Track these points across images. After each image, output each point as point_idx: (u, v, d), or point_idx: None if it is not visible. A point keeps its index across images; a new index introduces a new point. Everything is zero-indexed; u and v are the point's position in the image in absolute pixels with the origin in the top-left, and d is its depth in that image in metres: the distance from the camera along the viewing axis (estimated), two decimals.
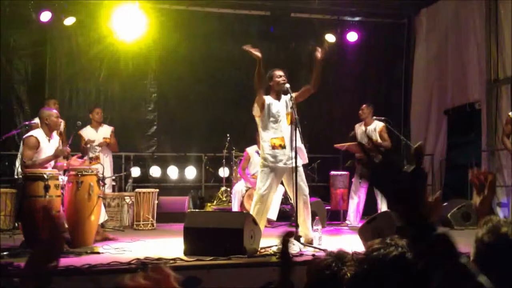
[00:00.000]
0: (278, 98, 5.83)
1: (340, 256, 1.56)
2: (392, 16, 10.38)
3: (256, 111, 5.79)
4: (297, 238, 5.34)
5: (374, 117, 7.82)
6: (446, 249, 1.08)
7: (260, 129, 5.84)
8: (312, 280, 1.58)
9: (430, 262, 1.08)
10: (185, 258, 4.79)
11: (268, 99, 5.79)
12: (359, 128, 7.96)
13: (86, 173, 5.73)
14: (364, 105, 7.93)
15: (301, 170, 5.65)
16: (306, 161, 5.84)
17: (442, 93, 9.49)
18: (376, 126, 7.82)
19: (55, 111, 6.10)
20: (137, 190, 7.81)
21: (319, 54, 5.65)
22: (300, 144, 5.60)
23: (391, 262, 1.32)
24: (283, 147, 5.68)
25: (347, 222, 7.90)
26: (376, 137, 7.79)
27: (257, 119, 5.84)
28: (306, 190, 5.71)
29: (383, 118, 7.76)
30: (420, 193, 1.15)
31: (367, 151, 1.18)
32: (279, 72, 5.82)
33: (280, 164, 5.68)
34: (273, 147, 5.70)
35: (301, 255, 4.91)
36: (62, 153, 5.87)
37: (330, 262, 1.54)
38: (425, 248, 1.09)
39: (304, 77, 8.99)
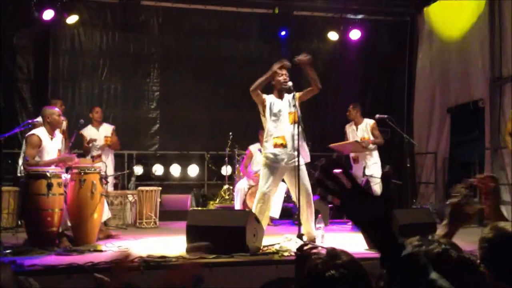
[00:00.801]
0: (280, 97, 5.81)
1: (331, 257, 1.52)
2: (395, 14, 10.35)
3: (261, 109, 5.81)
4: (300, 236, 5.34)
5: (377, 115, 7.79)
6: (416, 268, 1.08)
7: (264, 128, 5.86)
8: (302, 277, 1.56)
9: (401, 282, 1.07)
10: (187, 256, 4.79)
11: (270, 97, 5.79)
12: (350, 128, 7.99)
13: (89, 171, 5.74)
14: (350, 106, 7.96)
15: (303, 169, 5.64)
16: (308, 159, 5.83)
17: (445, 91, 9.45)
18: (367, 124, 7.83)
19: (57, 109, 6.10)
20: (139, 188, 7.81)
21: (298, 61, 5.64)
22: (302, 143, 5.60)
23: (436, 259, 1.30)
24: (284, 146, 5.67)
25: None
26: (369, 135, 7.79)
27: (262, 118, 5.85)
28: (309, 188, 5.70)
29: (385, 116, 7.73)
30: (390, 216, 1.14)
31: (336, 178, 1.16)
32: (281, 71, 5.81)
33: (282, 163, 5.67)
34: (275, 146, 5.69)
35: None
36: (69, 160, 5.85)
37: (318, 263, 1.51)
38: (394, 268, 1.09)
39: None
